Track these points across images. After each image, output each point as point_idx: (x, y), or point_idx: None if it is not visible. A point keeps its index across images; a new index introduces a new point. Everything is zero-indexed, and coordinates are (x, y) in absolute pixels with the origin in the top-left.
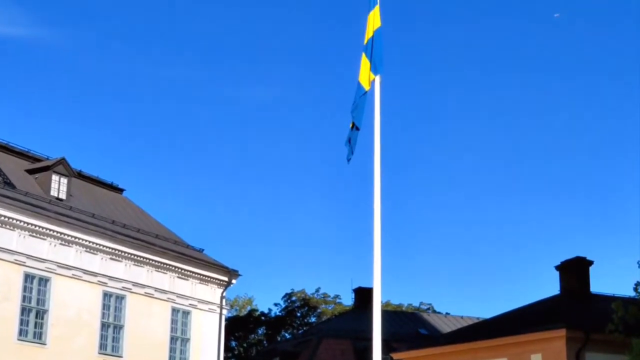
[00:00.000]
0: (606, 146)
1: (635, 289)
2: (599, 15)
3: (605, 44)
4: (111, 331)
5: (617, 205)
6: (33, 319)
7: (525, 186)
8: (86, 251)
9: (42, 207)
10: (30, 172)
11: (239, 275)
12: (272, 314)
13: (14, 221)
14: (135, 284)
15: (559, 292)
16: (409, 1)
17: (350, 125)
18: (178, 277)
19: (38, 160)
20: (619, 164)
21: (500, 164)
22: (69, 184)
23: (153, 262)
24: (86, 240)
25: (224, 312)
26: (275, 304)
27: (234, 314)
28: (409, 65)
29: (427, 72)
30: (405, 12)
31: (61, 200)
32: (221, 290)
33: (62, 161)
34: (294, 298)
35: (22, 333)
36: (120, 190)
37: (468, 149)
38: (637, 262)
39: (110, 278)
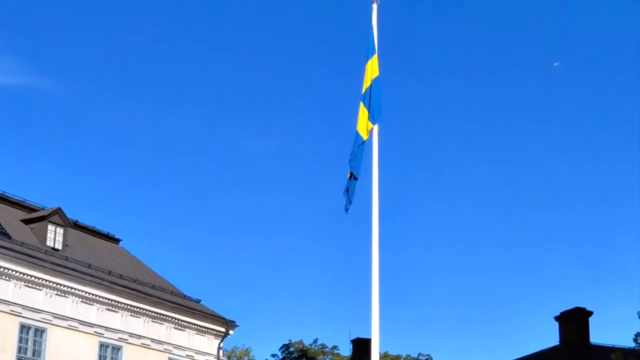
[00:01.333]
0: (605, 196)
1: (635, 340)
2: (598, 63)
3: (605, 93)
4: None
5: (616, 256)
6: None
7: (524, 236)
8: (82, 302)
9: (38, 257)
10: (26, 222)
11: (236, 325)
12: None
13: (10, 271)
14: (132, 335)
15: (558, 343)
16: (408, 50)
17: (349, 175)
18: (175, 327)
19: (34, 210)
20: (618, 214)
21: (500, 213)
22: (65, 234)
23: (150, 313)
24: (82, 291)
25: None
26: (273, 355)
27: None
28: (407, 114)
29: (426, 122)
30: (404, 61)
31: (57, 250)
32: (218, 341)
33: (58, 211)
34: (291, 349)
35: None
36: (117, 241)
37: (467, 199)
38: (637, 313)
39: (107, 329)
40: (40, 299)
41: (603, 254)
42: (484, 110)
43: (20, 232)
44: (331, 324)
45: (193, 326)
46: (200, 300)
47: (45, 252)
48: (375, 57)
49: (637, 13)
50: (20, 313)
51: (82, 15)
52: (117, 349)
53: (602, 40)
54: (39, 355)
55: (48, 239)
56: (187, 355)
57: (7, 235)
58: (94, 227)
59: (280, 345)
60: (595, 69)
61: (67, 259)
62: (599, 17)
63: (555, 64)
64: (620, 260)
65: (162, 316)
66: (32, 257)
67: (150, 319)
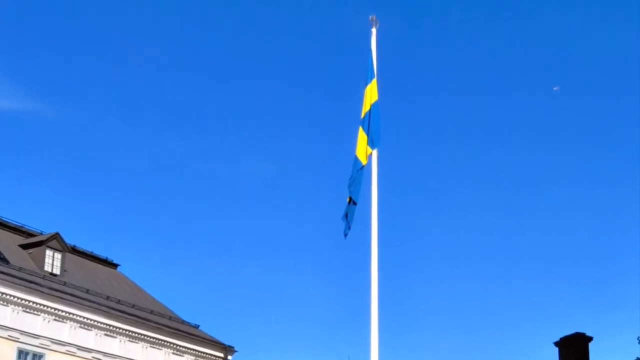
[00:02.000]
0: (605, 221)
1: None
2: (598, 88)
3: (605, 117)
4: None
5: (617, 281)
6: None
7: (524, 261)
8: (80, 327)
9: (36, 282)
10: (24, 247)
11: (235, 351)
12: None
13: (8, 297)
14: None
15: None
16: (407, 74)
17: (348, 200)
18: (173, 353)
19: (32, 235)
20: (618, 239)
21: (500, 238)
22: (63, 259)
23: (148, 338)
24: (80, 316)
25: None
26: None
27: None
28: (407, 139)
29: (426, 146)
30: (403, 86)
31: (55, 275)
32: None
33: (56, 236)
34: None
35: None
36: (115, 266)
37: (467, 224)
38: (638, 339)
39: (105, 354)
40: (38, 324)
41: (603, 279)
42: (483, 135)
43: (18, 257)
44: (330, 349)
45: (192, 351)
46: (198, 326)
47: (43, 277)
48: (374, 82)
49: (636, 38)
50: (18, 338)
51: (81, 40)
52: None
53: (602, 64)
54: None
55: (46, 264)
56: None
57: (5, 260)
58: (92, 252)
59: None
60: (595, 93)
61: (65, 284)
62: (598, 41)
63: (555, 88)
64: (621, 286)
65: (160, 341)
66: (30, 282)
67: (149, 345)
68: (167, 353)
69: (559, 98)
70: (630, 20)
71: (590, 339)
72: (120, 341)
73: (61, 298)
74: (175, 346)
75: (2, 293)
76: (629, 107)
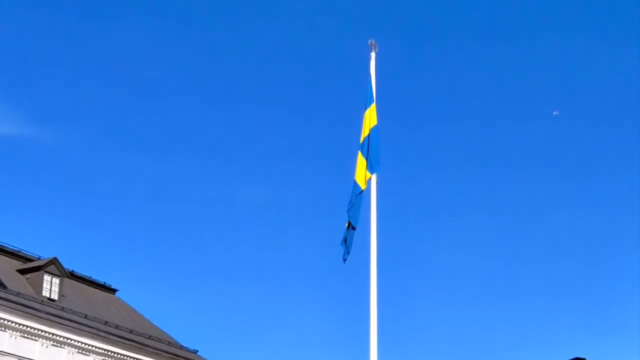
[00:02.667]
0: (605, 245)
1: None
2: (598, 112)
3: (605, 142)
4: None
5: (616, 305)
6: None
7: (523, 286)
8: (78, 352)
9: (34, 307)
10: (22, 272)
11: None
12: None
13: (5, 322)
14: None
15: None
16: (406, 98)
17: (347, 225)
18: None
19: (30, 260)
20: (618, 263)
21: (499, 263)
22: (61, 284)
23: None
24: (78, 342)
25: None
26: None
27: None
28: (406, 163)
29: (425, 171)
30: (403, 110)
31: (53, 300)
32: None
33: (54, 261)
34: None
35: None
36: (113, 291)
37: (466, 249)
38: None
39: None
40: (36, 349)
41: (603, 303)
42: (483, 160)
43: (16, 282)
44: None
45: None
46: (197, 351)
47: (41, 303)
48: (373, 106)
49: (636, 61)
50: None
51: (77, 64)
52: None
53: (601, 88)
54: None
55: (44, 289)
56: None
57: (2, 285)
58: (90, 277)
59: None
60: (594, 117)
61: (63, 309)
62: (598, 65)
63: (554, 113)
64: (620, 310)
65: None
66: (28, 307)
67: None
68: None
69: (559, 123)
70: (630, 45)
71: None
72: None
73: (59, 323)
74: None
75: (0, 318)
76: (628, 132)
